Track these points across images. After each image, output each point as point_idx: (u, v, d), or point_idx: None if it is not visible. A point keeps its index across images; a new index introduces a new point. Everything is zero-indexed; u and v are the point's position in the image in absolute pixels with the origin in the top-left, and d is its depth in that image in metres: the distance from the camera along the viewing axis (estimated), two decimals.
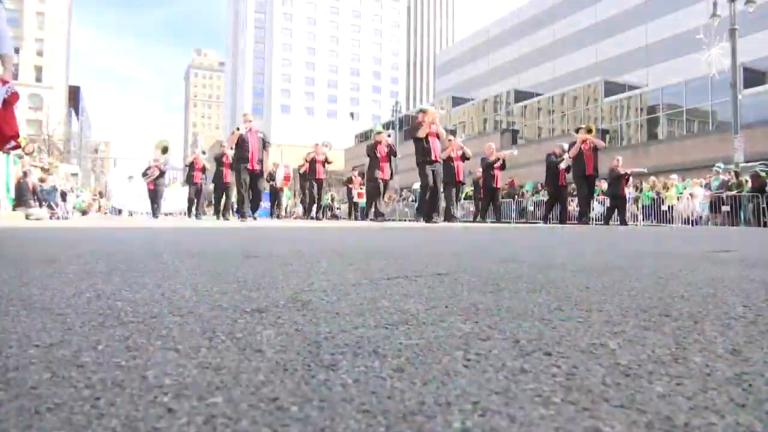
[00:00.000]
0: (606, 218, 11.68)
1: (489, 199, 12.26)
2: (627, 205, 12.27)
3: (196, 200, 14.24)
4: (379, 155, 11.25)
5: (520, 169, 23.37)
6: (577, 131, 11.07)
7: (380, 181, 11.19)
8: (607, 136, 27.79)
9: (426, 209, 9.86)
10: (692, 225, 11.99)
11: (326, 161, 13.89)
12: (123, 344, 0.67)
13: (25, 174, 12.07)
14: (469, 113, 43.34)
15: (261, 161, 9.78)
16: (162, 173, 15.09)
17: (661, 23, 35.91)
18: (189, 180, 14.35)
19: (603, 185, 13.69)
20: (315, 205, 14.08)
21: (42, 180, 13.42)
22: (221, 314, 0.86)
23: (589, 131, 10.68)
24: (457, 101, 43.20)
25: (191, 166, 14.27)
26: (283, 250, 2.14)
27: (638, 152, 23.67)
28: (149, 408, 0.45)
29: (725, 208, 11.74)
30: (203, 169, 14.45)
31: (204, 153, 14.99)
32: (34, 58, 63.68)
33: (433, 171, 9.47)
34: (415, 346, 0.67)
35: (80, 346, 0.65)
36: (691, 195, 13.03)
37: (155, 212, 14.92)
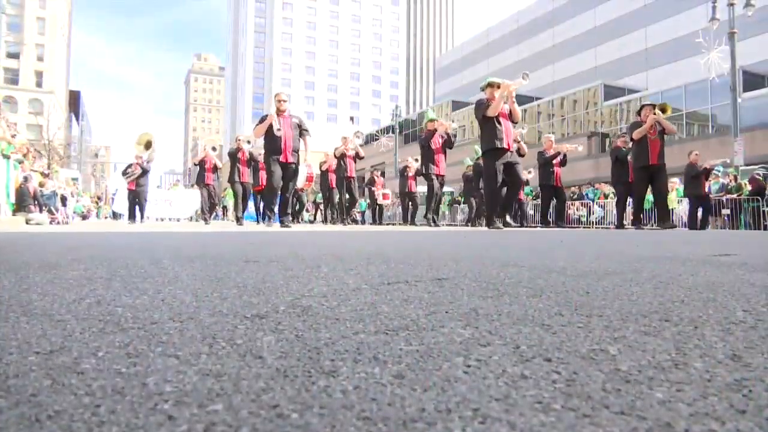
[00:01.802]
0: (690, 222, 10.10)
1: (548, 200, 10.50)
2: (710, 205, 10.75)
3: (210, 203, 12.62)
4: (433, 146, 9.63)
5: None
6: (640, 111, 8.70)
7: (434, 177, 9.61)
8: (607, 140, 27.81)
9: (490, 211, 7.47)
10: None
11: (357, 156, 11.99)
12: (123, 351, 0.67)
13: (25, 179, 12.09)
14: (470, 117, 43.36)
15: (296, 152, 7.99)
16: (144, 172, 13.22)
17: (660, 27, 35.99)
18: (200, 181, 12.46)
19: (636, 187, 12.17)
20: (347, 208, 12.28)
21: (42, 185, 13.42)
22: (221, 320, 0.86)
23: (663, 110, 8.58)
24: (457, 105, 43.26)
25: (201, 166, 12.39)
26: (283, 255, 2.14)
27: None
28: (150, 415, 0.45)
29: (725, 212, 11.74)
30: (215, 169, 12.61)
31: (215, 149, 13.08)
32: (34, 63, 63.83)
33: (504, 164, 7.08)
34: (415, 352, 0.67)
35: (80, 353, 0.65)
36: None
37: (132, 215, 13.04)
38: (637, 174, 8.45)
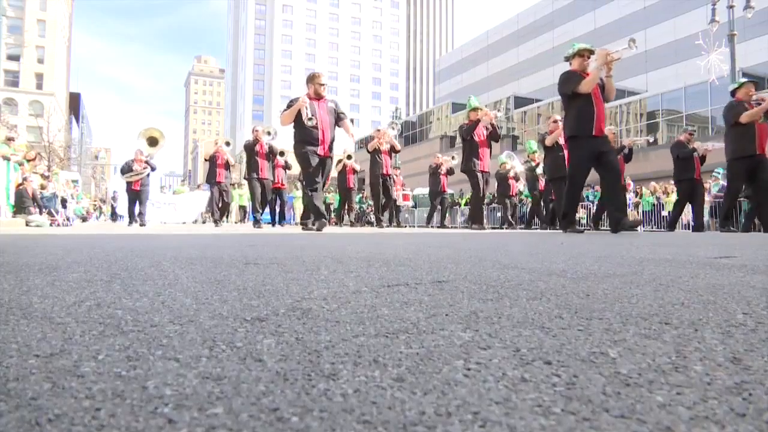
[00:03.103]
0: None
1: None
2: None
3: (222, 203, 11.54)
4: (477, 139, 8.51)
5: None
6: (736, 91, 7.21)
7: (479, 174, 8.55)
8: None
9: (568, 210, 6.44)
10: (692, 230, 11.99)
11: (393, 150, 10.79)
12: (123, 354, 0.67)
13: (25, 181, 12.08)
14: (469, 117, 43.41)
15: (333, 143, 6.80)
16: (152, 169, 11.95)
17: (660, 29, 36.06)
18: (211, 179, 11.29)
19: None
20: (382, 208, 11.02)
21: (42, 187, 13.42)
22: (221, 323, 0.86)
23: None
24: (456, 107, 43.31)
25: (212, 162, 11.18)
26: (283, 257, 2.14)
27: (638, 157, 23.66)
28: (150, 419, 0.45)
29: None
30: (227, 165, 11.47)
31: (228, 144, 11.73)
32: (35, 65, 63.90)
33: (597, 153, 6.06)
34: (415, 355, 0.67)
35: (80, 356, 0.66)
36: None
37: (133, 217, 11.70)
38: (736, 166, 7.09)
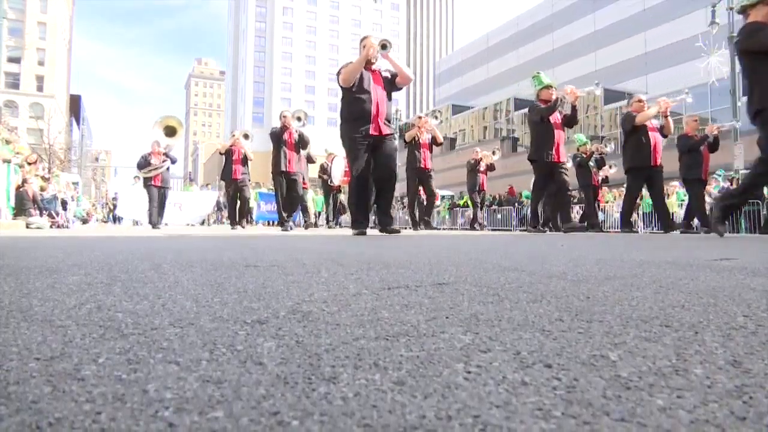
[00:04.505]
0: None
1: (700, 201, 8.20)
2: None
3: (239, 204, 10.14)
4: (553, 122, 7.03)
5: (519, 177, 23.38)
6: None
7: (555, 165, 7.05)
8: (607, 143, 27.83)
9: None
10: (695, 230, 11.98)
11: (435, 142, 9.53)
12: (124, 357, 0.67)
13: (25, 182, 12.09)
14: (469, 121, 43.46)
15: (389, 122, 5.56)
16: (172, 162, 10.68)
17: (659, 31, 36.10)
18: (226, 176, 9.96)
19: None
20: (426, 207, 10.03)
21: (42, 189, 13.42)
22: (222, 326, 0.86)
23: None
24: (456, 109, 43.36)
25: (228, 156, 9.88)
26: (283, 260, 2.14)
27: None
28: (150, 423, 0.45)
29: None
30: (245, 161, 9.96)
31: (247, 137, 10.25)
32: (35, 68, 64.01)
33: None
34: (415, 358, 0.67)
35: (81, 359, 0.66)
36: None
37: (153, 218, 10.47)
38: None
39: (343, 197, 13.30)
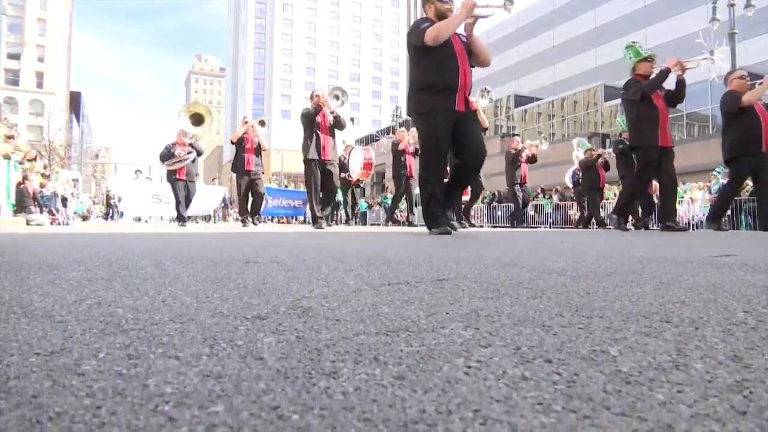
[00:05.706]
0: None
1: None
2: None
3: (254, 196, 9.26)
4: (655, 101, 6.06)
5: None
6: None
7: (659, 151, 6.03)
8: (607, 140, 27.84)
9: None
10: (693, 229, 11.98)
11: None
12: (124, 352, 0.67)
13: (25, 179, 12.09)
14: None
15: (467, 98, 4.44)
16: (198, 154, 9.84)
17: (660, 28, 36.00)
18: (238, 167, 9.05)
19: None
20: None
21: (42, 185, 13.42)
22: (222, 321, 0.86)
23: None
24: None
25: (239, 145, 8.96)
26: (284, 256, 2.14)
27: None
28: (150, 417, 0.45)
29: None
30: (258, 151, 9.08)
31: (263, 124, 9.31)
32: (35, 64, 63.93)
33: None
34: (415, 353, 0.67)
35: (81, 354, 0.66)
36: (691, 199, 13.00)
37: (182, 214, 9.70)
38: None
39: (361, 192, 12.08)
